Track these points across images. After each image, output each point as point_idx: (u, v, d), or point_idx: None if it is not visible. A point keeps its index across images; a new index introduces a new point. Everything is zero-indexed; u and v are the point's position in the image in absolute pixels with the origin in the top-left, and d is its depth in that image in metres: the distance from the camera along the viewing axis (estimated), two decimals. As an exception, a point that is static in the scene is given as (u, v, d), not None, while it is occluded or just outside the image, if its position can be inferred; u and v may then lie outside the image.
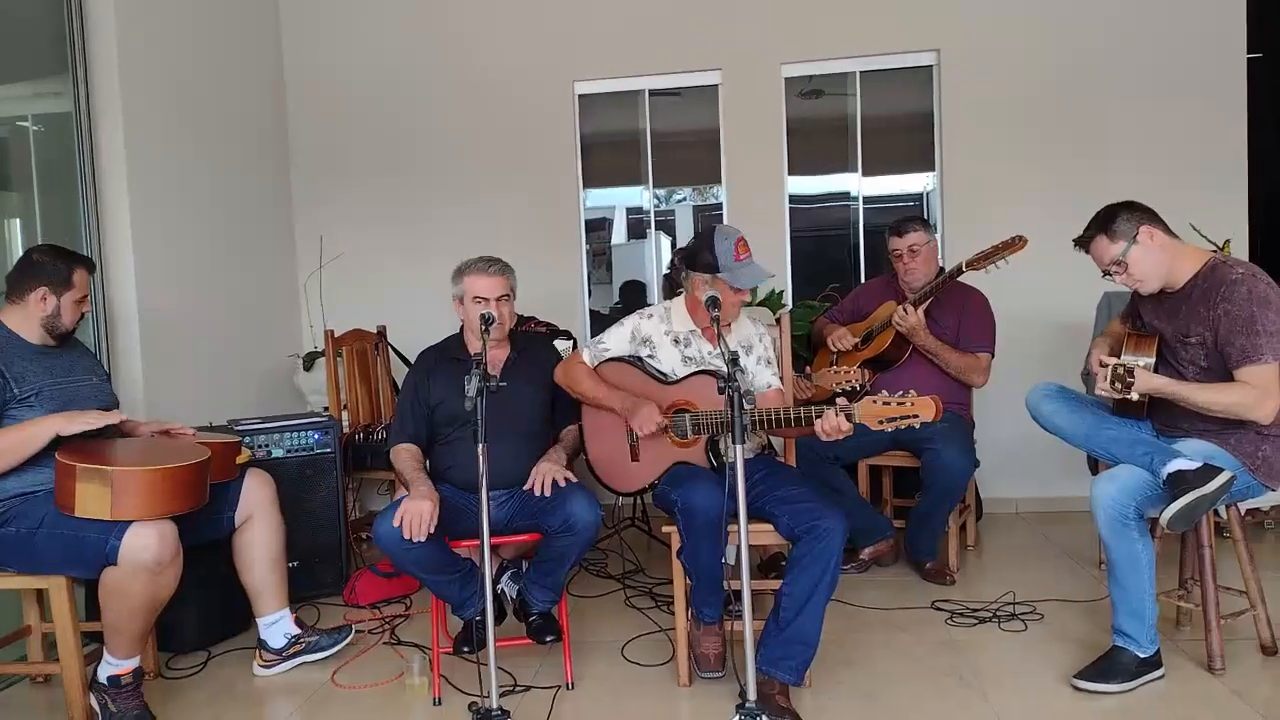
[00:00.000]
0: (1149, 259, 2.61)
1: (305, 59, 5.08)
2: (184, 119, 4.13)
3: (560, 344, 3.77)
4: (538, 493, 2.71)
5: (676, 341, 2.87)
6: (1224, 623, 2.73)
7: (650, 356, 2.89)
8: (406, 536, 2.55)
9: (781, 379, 2.97)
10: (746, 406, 2.23)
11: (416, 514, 2.57)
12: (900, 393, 2.48)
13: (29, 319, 2.71)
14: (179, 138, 4.09)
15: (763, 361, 2.90)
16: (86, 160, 3.64)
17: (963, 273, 3.48)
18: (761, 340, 2.92)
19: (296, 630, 3.04)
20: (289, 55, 5.09)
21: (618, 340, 2.92)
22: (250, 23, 4.83)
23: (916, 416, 2.45)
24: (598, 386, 2.86)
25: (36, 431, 2.55)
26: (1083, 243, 2.72)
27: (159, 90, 3.94)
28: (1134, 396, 2.51)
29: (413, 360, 3.23)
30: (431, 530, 2.58)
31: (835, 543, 2.49)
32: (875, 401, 2.49)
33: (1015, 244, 3.35)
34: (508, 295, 2.94)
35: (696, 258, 2.74)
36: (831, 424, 2.50)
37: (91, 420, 2.60)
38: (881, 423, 2.48)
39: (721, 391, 2.27)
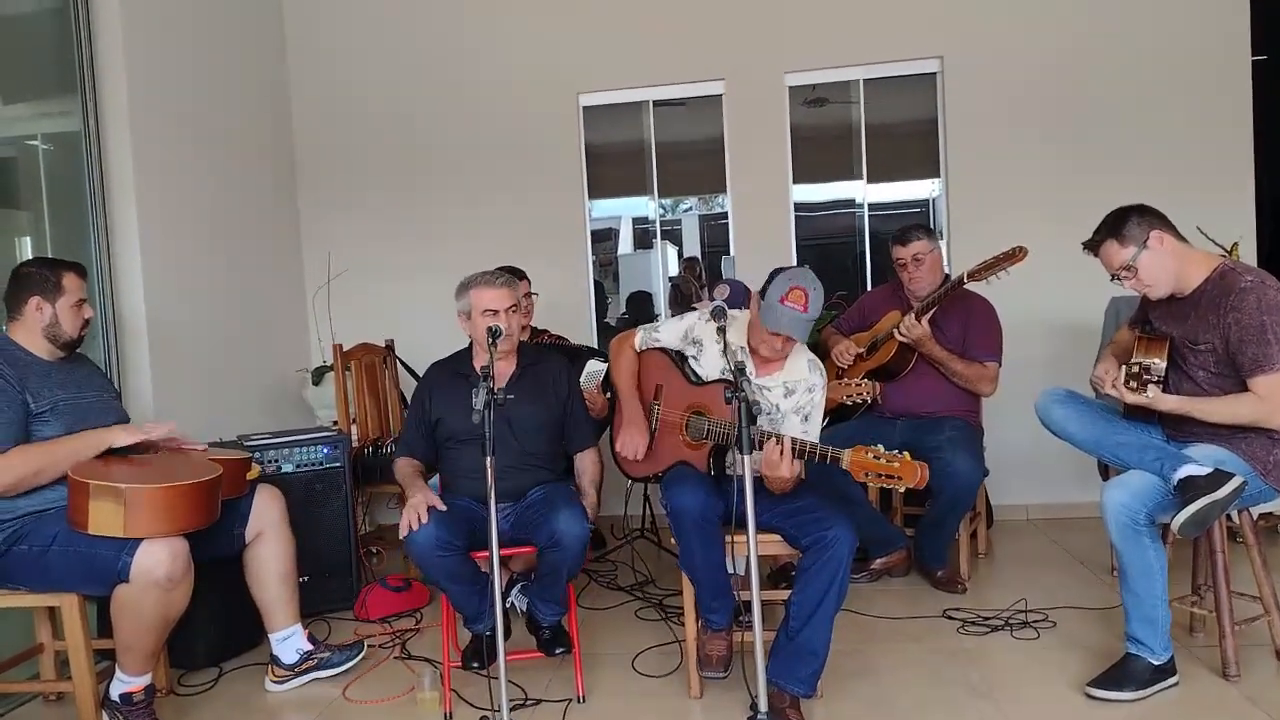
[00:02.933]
0: (1159, 264, 2.60)
1: (311, 75, 5.11)
2: (191, 136, 4.16)
3: (596, 364, 3.70)
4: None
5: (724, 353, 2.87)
6: (1238, 629, 2.71)
7: (695, 358, 2.92)
8: (414, 528, 2.63)
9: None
10: (754, 415, 2.22)
11: (412, 509, 2.68)
12: (891, 452, 2.46)
13: (32, 332, 2.72)
14: (187, 155, 4.11)
15: (800, 415, 2.79)
16: (95, 178, 3.66)
17: (964, 283, 3.47)
18: (811, 392, 2.80)
19: (309, 646, 3.05)
20: (294, 71, 5.12)
21: (671, 334, 2.99)
22: (256, 40, 4.86)
23: (899, 479, 2.43)
24: (626, 381, 2.99)
25: (94, 440, 2.62)
26: (1092, 246, 2.71)
27: (167, 108, 3.97)
28: (1147, 395, 2.50)
29: (421, 373, 3.25)
30: (441, 507, 2.71)
31: (842, 552, 2.48)
32: (866, 453, 2.47)
33: (1016, 255, 3.32)
34: (517, 306, 2.95)
35: (767, 281, 2.73)
36: (773, 458, 2.49)
37: (149, 431, 2.72)
38: (866, 475, 2.47)
39: (728, 401, 2.27)
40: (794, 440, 2.55)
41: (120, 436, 2.66)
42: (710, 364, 2.88)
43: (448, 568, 2.68)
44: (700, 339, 2.92)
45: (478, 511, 2.84)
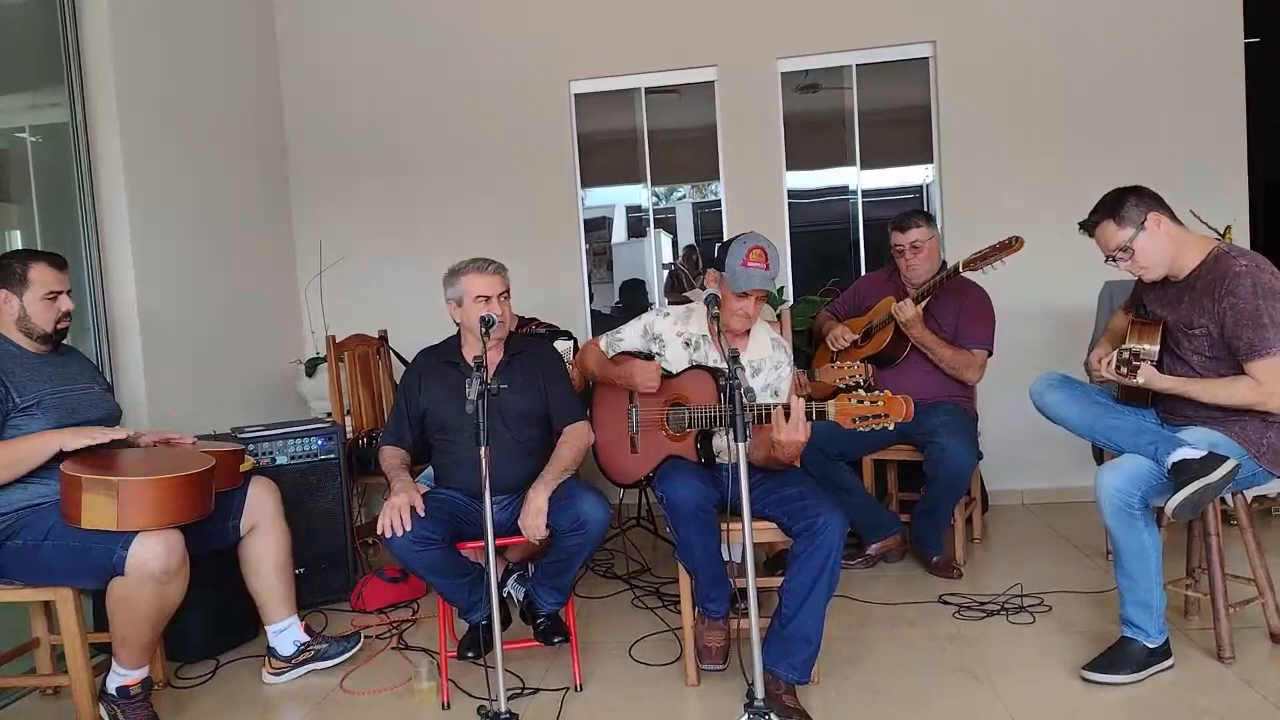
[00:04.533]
0: (1155, 247, 2.60)
1: (301, 64, 5.08)
2: (181, 126, 4.13)
3: (561, 344, 3.76)
4: (529, 539, 2.71)
5: (687, 344, 2.89)
6: (1233, 611, 2.72)
7: (659, 354, 2.92)
8: (395, 533, 2.59)
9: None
10: (746, 402, 2.22)
11: (394, 510, 2.62)
12: (875, 392, 2.44)
13: (8, 325, 2.70)
14: (177, 145, 4.09)
15: (769, 391, 2.82)
16: (85, 170, 3.64)
17: (959, 273, 3.46)
18: (777, 369, 2.85)
19: (306, 638, 3.05)
20: (285, 61, 5.09)
21: (632, 334, 3.01)
22: (246, 30, 4.83)
23: (887, 416, 2.40)
24: (603, 364, 3.00)
25: (41, 445, 2.55)
26: (1089, 227, 2.70)
27: (156, 99, 3.94)
28: (1139, 380, 2.50)
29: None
30: (420, 512, 2.64)
31: (833, 538, 2.48)
32: (850, 400, 2.44)
33: (1012, 245, 3.31)
34: (507, 293, 2.93)
35: (719, 255, 2.77)
36: (788, 426, 2.43)
37: (97, 435, 2.59)
38: (854, 421, 2.43)
39: (721, 389, 2.27)
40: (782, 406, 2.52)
41: (70, 440, 2.55)
42: (675, 355, 2.90)
43: (427, 561, 2.67)
44: (660, 334, 2.93)
45: (464, 503, 2.84)
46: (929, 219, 3.70)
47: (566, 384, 3.09)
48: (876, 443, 3.65)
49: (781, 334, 3.06)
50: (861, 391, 2.45)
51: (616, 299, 5.47)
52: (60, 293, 2.74)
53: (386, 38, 5.02)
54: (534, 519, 2.68)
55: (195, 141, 4.23)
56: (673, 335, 2.91)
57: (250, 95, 4.81)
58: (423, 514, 2.66)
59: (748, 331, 2.85)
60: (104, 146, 3.69)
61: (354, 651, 3.11)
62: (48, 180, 3.69)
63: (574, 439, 2.91)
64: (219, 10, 4.54)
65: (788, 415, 2.45)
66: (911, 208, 3.98)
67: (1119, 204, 2.62)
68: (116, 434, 2.65)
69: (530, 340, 3.24)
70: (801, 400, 2.48)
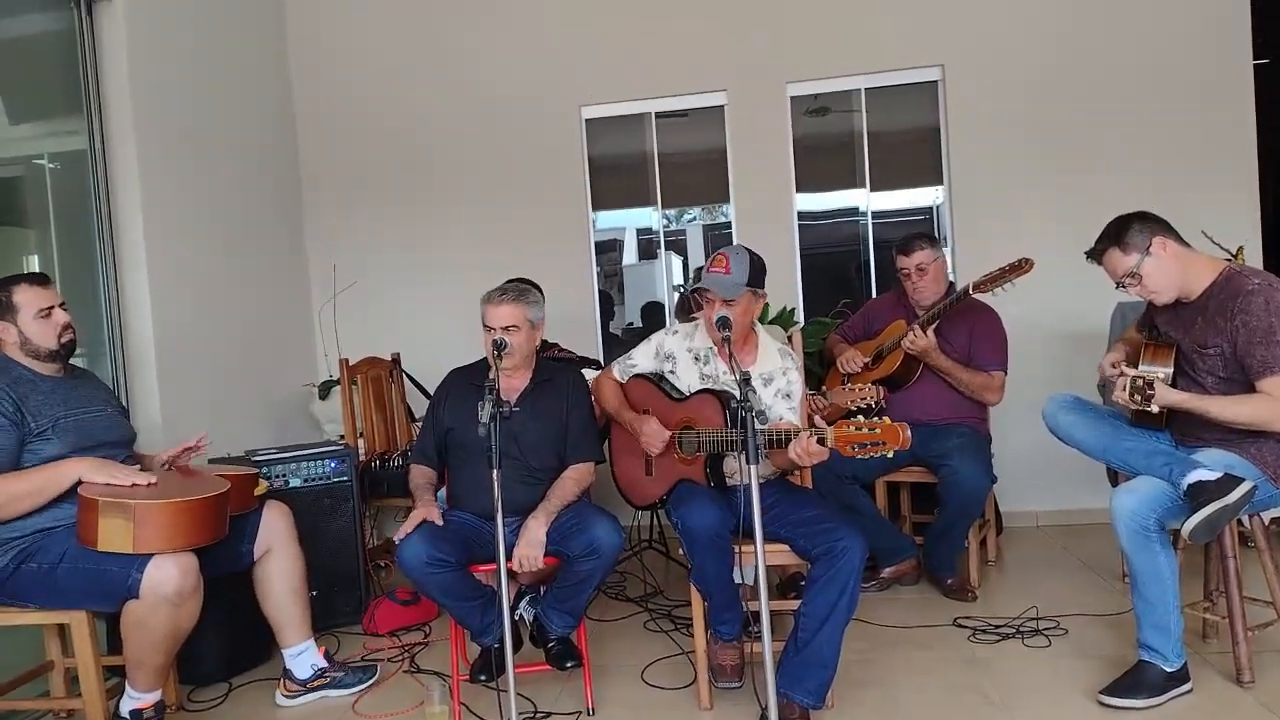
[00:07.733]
0: (1163, 271, 2.60)
1: (314, 90, 5.14)
2: (197, 153, 4.18)
3: (588, 373, 3.74)
4: (519, 570, 2.74)
5: (696, 359, 2.91)
6: (1251, 634, 2.69)
7: (672, 372, 2.94)
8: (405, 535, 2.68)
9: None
10: (759, 426, 2.22)
11: (410, 521, 2.72)
12: (872, 419, 2.40)
13: (16, 352, 2.71)
14: (192, 172, 4.13)
15: (780, 395, 2.83)
16: (102, 196, 3.69)
17: (969, 295, 3.46)
18: (786, 375, 2.84)
19: (324, 663, 3.05)
20: (298, 86, 5.15)
21: (644, 356, 3.02)
22: (260, 55, 4.89)
23: (885, 444, 2.35)
24: (619, 408, 3.00)
25: (63, 474, 2.56)
26: (1095, 255, 2.70)
27: (172, 125, 3.99)
28: (1154, 409, 2.49)
29: (427, 386, 3.24)
30: (438, 521, 2.74)
31: (853, 562, 2.47)
32: (848, 426, 2.41)
33: (1023, 266, 3.30)
34: (517, 326, 2.89)
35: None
36: (803, 446, 2.43)
37: (119, 479, 2.54)
38: (853, 448, 2.39)
39: (732, 412, 2.27)
40: (791, 430, 2.52)
41: (89, 472, 2.55)
42: (686, 373, 2.91)
43: (441, 583, 2.67)
44: (672, 352, 2.95)
45: (477, 526, 2.85)
46: (933, 241, 3.71)
47: (588, 417, 3.07)
48: (889, 465, 3.64)
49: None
50: (861, 419, 2.41)
51: (629, 321, 5.49)
52: (52, 308, 2.70)
53: (401, 64, 5.07)
54: (532, 550, 2.70)
55: (211, 168, 4.28)
56: (684, 351, 2.93)
57: (265, 121, 4.88)
58: (439, 524, 2.72)
59: (755, 346, 2.87)
60: (121, 173, 3.74)
61: (371, 683, 3.10)
62: (66, 206, 3.74)
63: (579, 475, 2.96)
64: (234, 40, 4.60)
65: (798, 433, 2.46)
66: (916, 230, 3.98)
67: (1123, 231, 2.63)
68: (139, 480, 2.58)
69: (559, 367, 3.23)
70: (804, 433, 2.46)
